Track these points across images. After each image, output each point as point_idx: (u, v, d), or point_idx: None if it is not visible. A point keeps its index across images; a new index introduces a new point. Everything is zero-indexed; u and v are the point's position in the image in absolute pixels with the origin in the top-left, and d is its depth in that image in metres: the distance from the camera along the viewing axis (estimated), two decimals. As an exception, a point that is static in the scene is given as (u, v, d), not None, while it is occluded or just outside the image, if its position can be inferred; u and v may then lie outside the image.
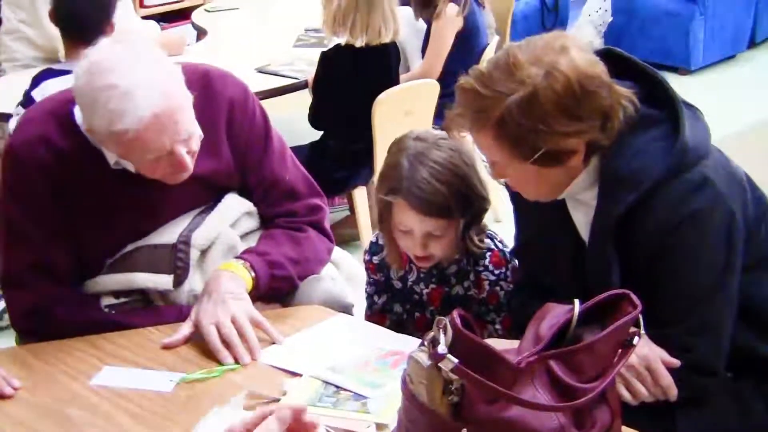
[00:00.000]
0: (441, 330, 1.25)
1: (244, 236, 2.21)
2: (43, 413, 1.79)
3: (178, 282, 2.09)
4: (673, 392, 1.75)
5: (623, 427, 1.42)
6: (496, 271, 2.15)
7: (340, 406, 1.71)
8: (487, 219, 2.19)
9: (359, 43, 3.71)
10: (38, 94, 3.19)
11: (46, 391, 1.86)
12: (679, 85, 2.51)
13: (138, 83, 1.85)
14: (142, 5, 6.08)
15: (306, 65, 4.11)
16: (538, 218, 1.98)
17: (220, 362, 1.90)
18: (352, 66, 3.76)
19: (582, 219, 1.90)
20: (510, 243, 2.19)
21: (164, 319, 2.07)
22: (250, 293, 2.05)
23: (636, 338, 1.31)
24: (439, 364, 1.24)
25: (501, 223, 3.57)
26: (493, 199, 2.17)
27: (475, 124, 1.77)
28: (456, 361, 1.23)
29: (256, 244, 2.19)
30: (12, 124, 3.29)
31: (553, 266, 1.97)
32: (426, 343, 1.27)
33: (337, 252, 2.37)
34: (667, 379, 1.74)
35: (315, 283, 2.21)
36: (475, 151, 1.96)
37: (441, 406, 1.28)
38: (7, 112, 3.43)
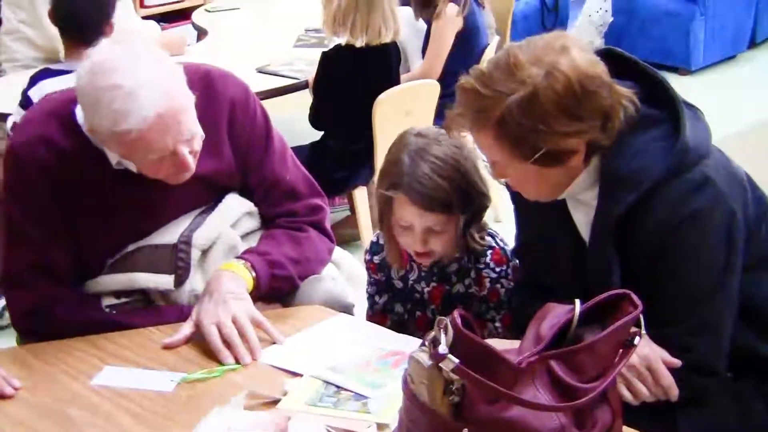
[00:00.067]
0: (442, 330, 1.25)
1: (244, 236, 2.21)
2: (43, 413, 1.79)
3: (179, 282, 2.10)
4: (674, 392, 1.75)
5: (624, 427, 1.42)
6: (497, 269, 2.15)
7: (341, 406, 1.71)
8: (488, 218, 2.19)
9: (359, 43, 3.70)
10: (35, 94, 3.19)
11: (47, 391, 1.86)
12: (680, 85, 2.51)
13: (141, 83, 1.85)
14: (142, 5, 6.07)
15: (306, 65, 4.11)
16: (539, 218, 1.98)
17: (220, 362, 1.90)
18: (353, 66, 3.76)
19: (582, 219, 1.90)
20: (510, 243, 2.19)
21: (165, 319, 2.07)
22: (250, 293, 2.05)
23: (637, 338, 1.32)
24: (440, 364, 1.25)
25: (501, 222, 3.56)
26: (493, 199, 2.17)
27: (475, 123, 1.77)
28: (457, 361, 1.23)
29: (256, 244, 2.19)
30: (9, 123, 3.29)
31: (554, 266, 1.97)
32: (427, 343, 1.27)
33: (338, 252, 2.37)
34: (668, 379, 1.74)
35: (316, 283, 2.21)
36: (476, 150, 1.96)
37: (442, 406, 1.28)
38: (7, 113, 3.42)
